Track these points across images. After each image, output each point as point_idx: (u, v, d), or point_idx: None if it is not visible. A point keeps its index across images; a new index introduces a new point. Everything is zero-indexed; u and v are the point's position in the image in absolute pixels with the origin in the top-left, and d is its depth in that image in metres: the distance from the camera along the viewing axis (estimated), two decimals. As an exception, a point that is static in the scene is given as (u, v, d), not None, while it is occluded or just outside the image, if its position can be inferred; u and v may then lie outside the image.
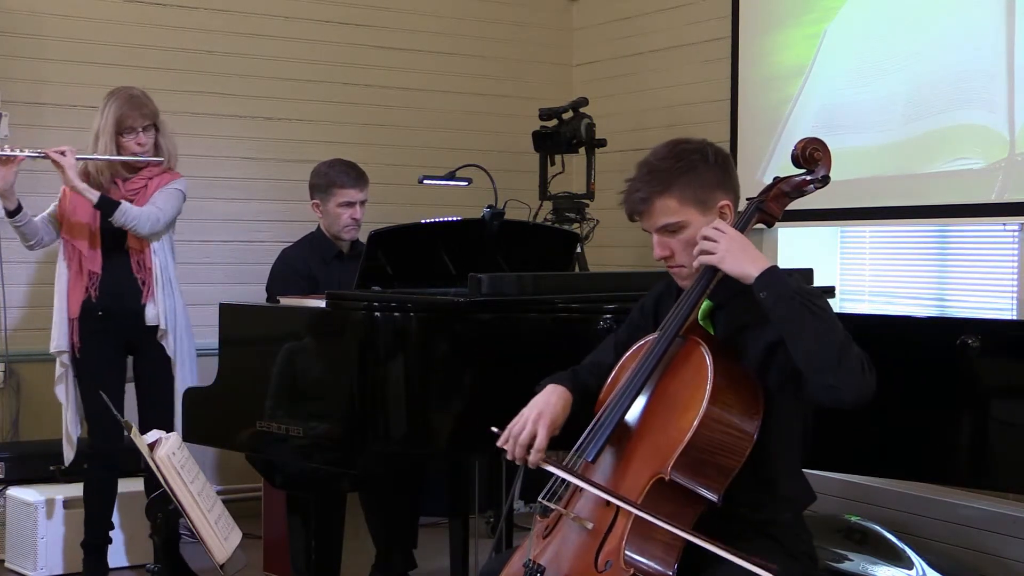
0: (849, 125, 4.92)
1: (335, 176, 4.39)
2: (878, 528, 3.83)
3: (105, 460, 4.30)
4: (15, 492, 4.66)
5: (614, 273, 5.25)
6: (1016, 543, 3.98)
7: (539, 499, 2.47)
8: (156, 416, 4.09)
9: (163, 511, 3.32)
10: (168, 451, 3.14)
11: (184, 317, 4.32)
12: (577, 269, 4.91)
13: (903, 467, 3.02)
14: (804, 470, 2.62)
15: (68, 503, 4.50)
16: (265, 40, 5.56)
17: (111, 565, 4.47)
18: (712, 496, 2.33)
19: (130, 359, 4.37)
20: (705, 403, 2.30)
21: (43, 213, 4.29)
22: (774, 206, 2.53)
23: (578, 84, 6.26)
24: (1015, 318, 4.06)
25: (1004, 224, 4.58)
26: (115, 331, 4.25)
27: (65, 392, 4.29)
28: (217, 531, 3.17)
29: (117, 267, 4.23)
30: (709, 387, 2.31)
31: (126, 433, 3.27)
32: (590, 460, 2.39)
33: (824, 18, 5.04)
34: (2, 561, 4.67)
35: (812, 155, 2.50)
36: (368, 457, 3.18)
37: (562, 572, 2.38)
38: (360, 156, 4.75)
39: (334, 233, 4.41)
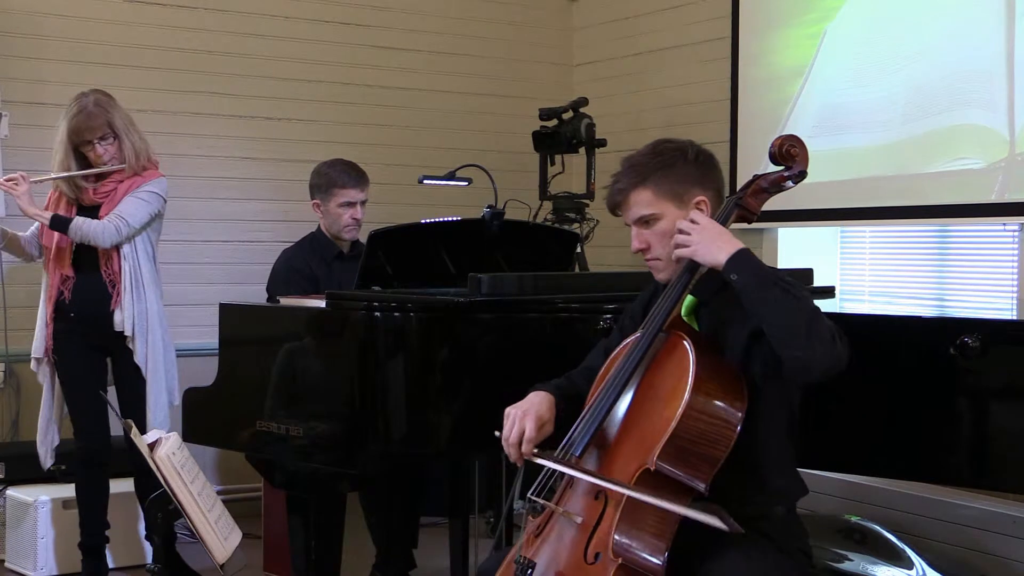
0: (849, 125, 4.92)
1: (336, 176, 4.38)
2: (878, 528, 3.83)
3: (92, 460, 4.29)
4: (15, 492, 4.66)
5: (614, 273, 5.24)
6: (1016, 543, 3.98)
7: (528, 495, 2.50)
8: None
9: (163, 511, 3.32)
10: (168, 451, 3.14)
11: (159, 322, 4.23)
12: (577, 269, 4.91)
13: (903, 467, 3.02)
14: (804, 470, 2.63)
15: (68, 503, 4.50)
16: (265, 40, 5.56)
17: (111, 565, 4.47)
18: (699, 486, 2.36)
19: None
20: (688, 392, 2.34)
21: (32, 228, 4.33)
22: (752, 202, 2.60)
23: (578, 84, 6.26)
24: (1015, 318, 4.05)
25: (1004, 224, 4.58)
26: (88, 334, 4.23)
27: (44, 396, 4.33)
28: (217, 531, 3.17)
29: (89, 271, 4.21)
30: (692, 377, 2.36)
31: (126, 433, 3.27)
32: (577, 455, 2.44)
33: (824, 18, 5.04)
34: (2, 561, 4.67)
35: (789, 152, 2.58)
36: (368, 457, 3.18)
37: (552, 567, 2.43)
38: (360, 156, 4.75)
39: (334, 233, 4.41)
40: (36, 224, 4.30)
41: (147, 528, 4.43)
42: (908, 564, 3.66)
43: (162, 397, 4.22)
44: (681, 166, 2.59)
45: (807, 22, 5.11)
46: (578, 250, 4.89)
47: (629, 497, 2.32)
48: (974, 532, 4.09)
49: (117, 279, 4.18)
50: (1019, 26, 4.33)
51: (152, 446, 3.15)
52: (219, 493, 3.60)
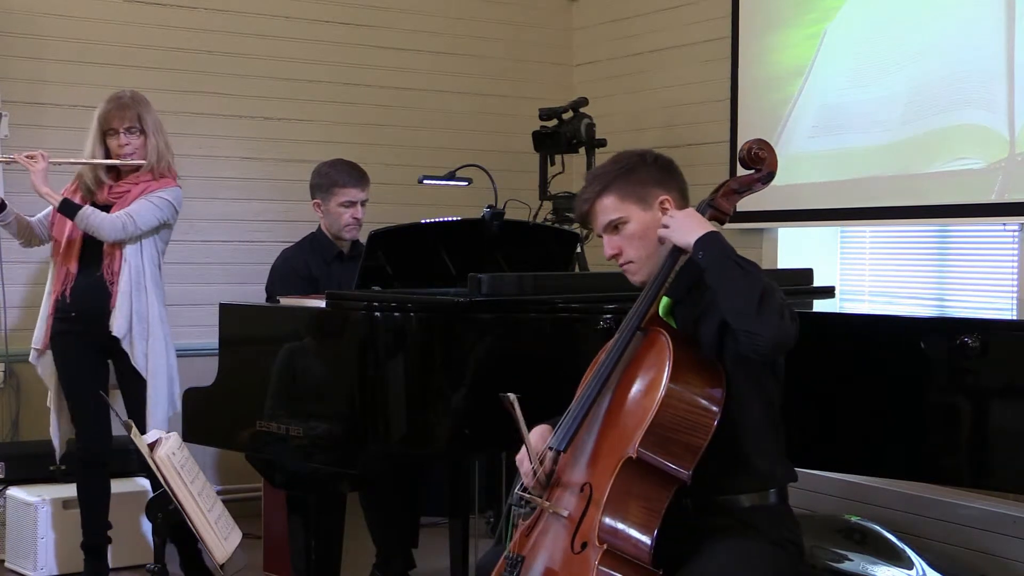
0: (849, 125, 4.92)
1: (336, 176, 4.39)
2: (878, 528, 3.83)
3: (92, 461, 4.29)
4: (15, 492, 4.66)
5: (614, 273, 5.21)
6: (1016, 543, 3.98)
7: (515, 490, 2.60)
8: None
9: (163, 511, 3.32)
10: (168, 451, 3.14)
11: (159, 326, 4.22)
12: (577, 269, 4.91)
13: (903, 467, 3.02)
14: (804, 470, 2.65)
15: (68, 503, 4.50)
16: (265, 40, 5.56)
17: (111, 565, 4.47)
18: (682, 473, 2.43)
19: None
20: (666, 381, 2.44)
21: (39, 214, 4.31)
22: (724, 203, 2.68)
23: (578, 84, 6.26)
24: (1015, 318, 4.05)
25: (1004, 224, 4.58)
26: (87, 333, 4.23)
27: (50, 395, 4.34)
28: (217, 531, 3.17)
29: (93, 268, 4.21)
30: (669, 366, 2.46)
31: (126, 433, 3.27)
32: (562, 450, 2.54)
33: (824, 18, 5.04)
34: (2, 561, 4.67)
35: (756, 155, 2.67)
36: (368, 457, 3.18)
37: (541, 560, 2.51)
38: (360, 156, 4.75)
39: (335, 233, 4.41)
40: (45, 212, 4.30)
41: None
42: (908, 564, 3.66)
43: (162, 399, 4.21)
44: (641, 170, 2.71)
45: (807, 22, 5.11)
46: (578, 250, 4.89)
47: (612, 488, 2.41)
48: (974, 532, 4.09)
49: (116, 279, 4.17)
50: (1019, 26, 4.33)
51: (152, 446, 3.15)
52: (219, 493, 3.59)
